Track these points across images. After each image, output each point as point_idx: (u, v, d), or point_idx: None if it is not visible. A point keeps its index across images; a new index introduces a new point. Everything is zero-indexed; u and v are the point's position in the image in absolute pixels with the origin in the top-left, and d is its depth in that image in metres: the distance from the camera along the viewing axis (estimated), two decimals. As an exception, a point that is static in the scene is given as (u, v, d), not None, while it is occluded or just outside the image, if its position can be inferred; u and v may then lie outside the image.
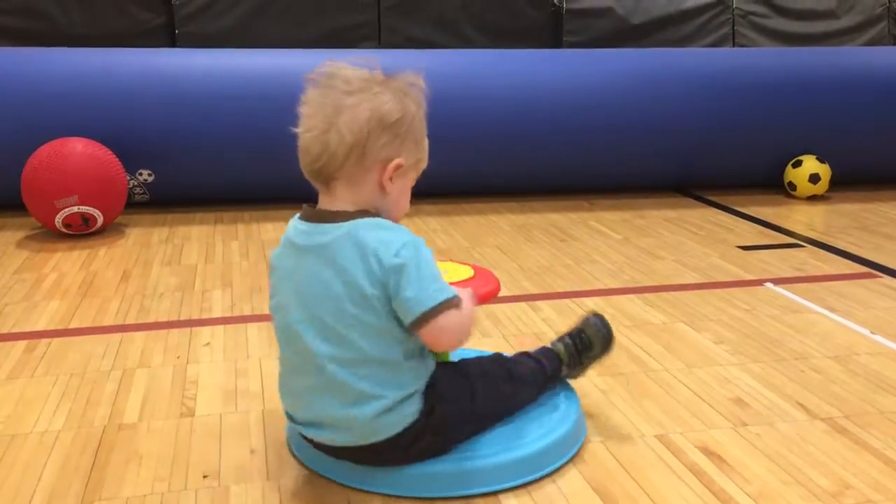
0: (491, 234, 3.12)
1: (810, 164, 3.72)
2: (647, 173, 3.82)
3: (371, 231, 1.32)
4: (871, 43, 6.27)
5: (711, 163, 3.80)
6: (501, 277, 2.11)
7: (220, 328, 2.14)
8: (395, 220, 1.38)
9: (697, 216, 3.44)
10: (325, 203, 1.38)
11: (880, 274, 2.66)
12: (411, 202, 1.45)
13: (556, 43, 5.79)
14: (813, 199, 3.76)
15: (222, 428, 1.62)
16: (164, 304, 2.32)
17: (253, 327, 2.14)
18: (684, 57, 3.95)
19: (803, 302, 2.38)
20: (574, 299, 2.39)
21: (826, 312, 2.30)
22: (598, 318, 1.71)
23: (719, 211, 3.55)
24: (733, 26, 6.09)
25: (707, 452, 1.54)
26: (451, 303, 1.33)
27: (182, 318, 2.21)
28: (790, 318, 2.26)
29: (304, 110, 1.36)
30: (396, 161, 1.36)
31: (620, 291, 2.47)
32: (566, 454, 1.50)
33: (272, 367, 1.89)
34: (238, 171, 3.37)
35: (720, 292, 2.47)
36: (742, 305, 2.35)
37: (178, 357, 1.95)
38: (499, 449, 1.44)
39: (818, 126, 3.76)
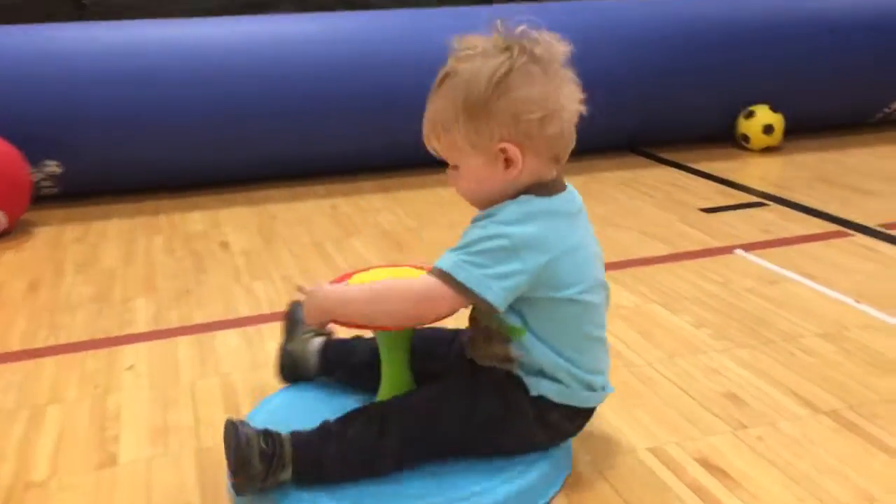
0: (440, 210, 2.88)
1: (763, 114, 3.57)
2: (597, 131, 3.60)
3: None
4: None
5: (662, 116, 3.60)
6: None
7: (144, 346, 1.88)
8: None
9: (653, 177, 3.27)
10: (552, 175, 1.34)
11: (851, 232, 2.53)
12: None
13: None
14: (767, 150, 3.62)
15: (151, 477, 1.38)
16: (78, 320, 2.04)
17: (183, 342, 1.89)
18: (627, 7, 3.74)
19: (779, 270, 2.23)
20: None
21: (804, 280, 2.15)
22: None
23: (674, 169, 3.38)
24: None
25: (707, 466, 1.37)
26: None
27: (99, 336, 1.95)
28: (768, 290, 2.10)
29: (546, 95, 1.29)
30: None
31: (585, 270, 2.28)
32: (554, 486, 1.31)
33: (205, 393, 1.65)
34: (157, 156, 3.05)
35: (690, 263, 2.31)
36: (715, 278, 2.19)
37: (96, 387, 1.70)
38: None
39: (770, 72, 3.60)
